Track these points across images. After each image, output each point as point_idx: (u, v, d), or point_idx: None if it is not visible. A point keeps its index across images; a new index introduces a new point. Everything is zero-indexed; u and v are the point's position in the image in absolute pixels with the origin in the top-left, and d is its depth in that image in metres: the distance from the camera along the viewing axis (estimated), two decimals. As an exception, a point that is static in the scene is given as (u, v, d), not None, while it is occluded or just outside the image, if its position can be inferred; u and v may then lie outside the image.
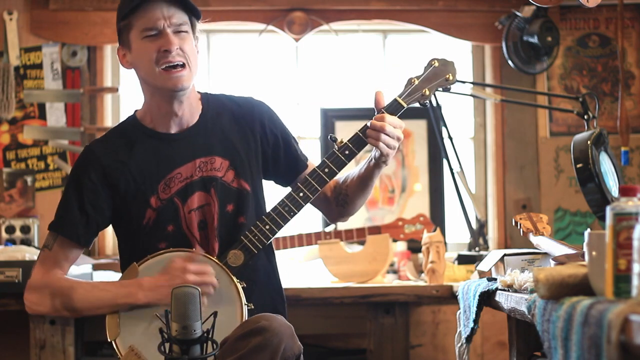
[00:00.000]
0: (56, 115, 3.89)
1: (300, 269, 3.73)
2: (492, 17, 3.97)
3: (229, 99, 2.54)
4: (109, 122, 3.95)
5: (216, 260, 2.34)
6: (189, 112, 2.44)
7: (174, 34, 2.33)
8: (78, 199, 2.41)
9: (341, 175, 2.54)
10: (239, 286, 2.31)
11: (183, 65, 2.34)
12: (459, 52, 4.14)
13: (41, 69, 3.90)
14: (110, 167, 2.41)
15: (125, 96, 4.05)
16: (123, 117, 3.97)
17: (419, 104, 2.44)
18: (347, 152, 2.39)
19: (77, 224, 2.40)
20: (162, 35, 2.32)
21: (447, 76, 2.44)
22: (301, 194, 2.38)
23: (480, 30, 4.00)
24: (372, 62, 4.14)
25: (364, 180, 2.45)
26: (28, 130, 3.88)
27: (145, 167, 2.41)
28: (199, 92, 2.51)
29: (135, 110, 2.50)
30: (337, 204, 2.53)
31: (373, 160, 2.39)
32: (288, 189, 2.47)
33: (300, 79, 4.10)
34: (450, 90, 2.54)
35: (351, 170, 2.53)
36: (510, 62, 3.89)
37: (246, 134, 2.48)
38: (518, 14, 3.84)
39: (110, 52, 3.99)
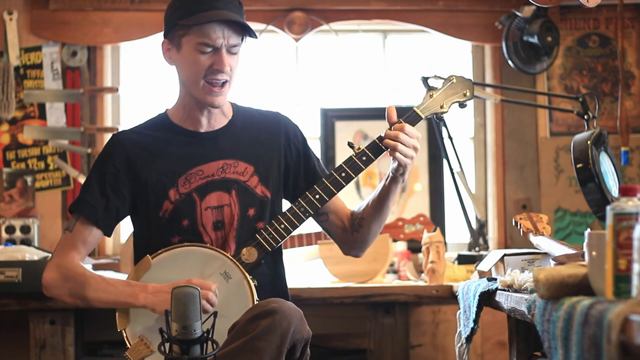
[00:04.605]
0: (56, 115, 3.89)
1: (300, 269, 3.73)
2: (492, 17, 3.97)
3: (257, 111, 2.61)
4: (109, 122, 3.95)
5: (230, 257, 2.36)
6: (219, 115, 2.51)
7: (227, 54, 2.39)
8: (100, 182, 2.45)
9: (357, 205, 2.58)
10: (252, 283, 2.33)
11: (225, 83, 2.41)
12: (459, 52, 4.14)
13: (41, 69, 3.90)
14: (134, 155, 2.46)
15: (125, 96, 4.05)
16: (123, 117, 4.02)
17: (435, 117, 2.50)
18: (364, 157, 2.42)
19: (97, 207, 2.44)
20: (217, 54, 2.39)
21: (465, 92, 2.50)
22: (317, 196, 2.42)
23: (480, 30, 4.00)
24: (372, 62, 4.14)
25: (380, 199, 2.47)
26: (28, 130, 3.88)
27: (169, 160, 2.46)
28: (229, 101, 2.57)
29: (166, 109, 2.55)
30: (353, 230, 2.56)
31: (390, 174, 2.42)
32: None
33: (300, 79, 4.10)
34: (465, 107, 2.57)
35: (367, 197, 2.56)
36: (510, 62, 3.89)
37: (271, 144, 2.53)
38: (518, 14, 3.84)
39: (110, 52, 3.99)
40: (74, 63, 3.91)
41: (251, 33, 2.41)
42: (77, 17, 3.89)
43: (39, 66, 3.90)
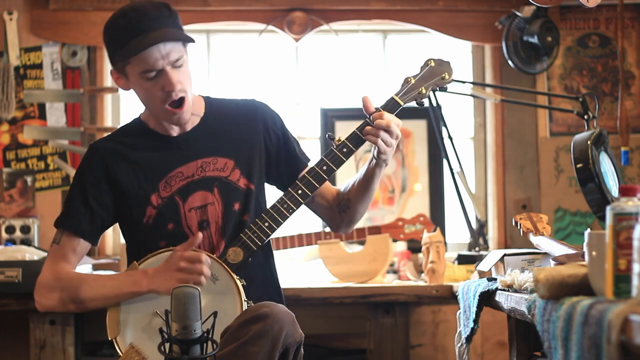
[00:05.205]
0: (56, 115, 3.89)
1: (300, 269, 3.73)
2: (492, 17, 3.96)
3: (232, 102, 2.59)
4: (109, 122, 3.95)
5: (215, 258, 2.36)
6: (189, 117, 2.47)
7: (172, 69, 2.34)
8: (82, 194, 2.45)
9: (343, 184, 2.58)
10: (239, 283, 2.33)
11: (183, 99, 2.38)
12: (459, 52, 4.14)
13: (41, 69, 3.90)
14: (112, 164, 2.46)
15: (125, 96, 4.05)
16: (123, 117, 4.02)
17: (416, 103, 2.47)
18: (345, 149, 2.41)
19: (81, 219, 2.44)
20: (162, 76, 2.34)
21: (443, 75, 2.47)
22: (299, 192, 2.41)
23: (480, 30, 4.00)
24: (372, 62, 4.14)
25: (366, 182, 2.47)
26: (28, 130, 3.88)
27: (147, 165, 2.46)
28: (201, 95, 2.54)
29: (140, 114, 2.55)
30: (340, 211, 2.56)
31: (373, 159, 2.41)
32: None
33: (300, 79, 4.10)
34: (447, 90, 2.56)
35: (353, 177, 2.55)
36: (510, 62, 3.89)
37: (250, 134, 2.51)
38: (518, 14, 3.84)
39: (110, 52, 3.99)
40: (74, 63, 3.91)
41: (189, 40, 2.36)
42: (77, 17, 3.89)
43: (39, 66, 3.90)
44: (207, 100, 2.55)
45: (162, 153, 2.46)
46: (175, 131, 2.48)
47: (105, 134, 3.81)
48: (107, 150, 2.48)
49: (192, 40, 2.37)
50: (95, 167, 2.46)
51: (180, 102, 2.37)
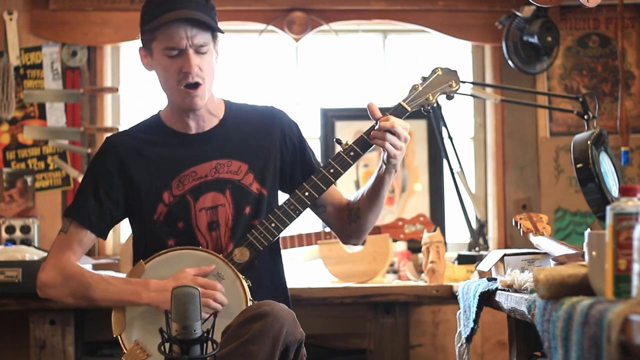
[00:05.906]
0: (56, 115, 3.89)
1: (300, 269, 3.73)
2: (492, 17, 3.96)
3: (251, 108, 2.60)
4: (109, 122, 3.95)
5: (222, 257, 2.36)
6: (208, 116, 2.50)
7: (194, 54, 2.37)
8: (93, 186, 2.47)
9: (353, 195, 2.58)
10: (245, 283, 2.33)
11: (198, 85, 2.39)
12: (459, 52, 4.14)
13: (41, 69, 3.90)
14: (127, 159, 2.47)
15: (125, 96, 4.05)
16: (123, 117, 4.02)
17: (422, 110, 2.50)
18: (352, 153, 2.43)
19: (90, 211, 2.45)
20: (183, 55, 2.37)
21: (450, 83, 2.50)
22: (307, 193, 2.42)
23: (480, 30, 4.00)
24: (372, 62, 4.14)
25: (375, 190, 2.48)
26: (28, 130, 3.88)
27: (162, 162, 2.47)
28: (222, 99, 2.56)
29: (159, 111, 2.56)
30: (350, 221, 2.56)
31: (383, 165, 2.42)
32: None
33: (300, 79, 4.10)
34: (453, 99, 2.56)
35: (363, 186, 2.56)
36: (510, 62, 3.89)
37: (266, 140, 2.53)
38: (518, 14, 3.84)
39: (110, 52, 3.99)
40: (74, 63, 3.91)
41: (215, 28, 2.39)
42: (77, 17, 3.89)
43: (39, 66, 3.90)
44: (227, 104, 2.57)
45: (178, 151, 2.47)
46: (192, 129, 2.49)
47: (105, 134, 3.83)
48: (123, 145, 2.49)
49: (220, 31, 2.41)
50: (109, 161, 2.48)
51: (196, 85, 2.39)
